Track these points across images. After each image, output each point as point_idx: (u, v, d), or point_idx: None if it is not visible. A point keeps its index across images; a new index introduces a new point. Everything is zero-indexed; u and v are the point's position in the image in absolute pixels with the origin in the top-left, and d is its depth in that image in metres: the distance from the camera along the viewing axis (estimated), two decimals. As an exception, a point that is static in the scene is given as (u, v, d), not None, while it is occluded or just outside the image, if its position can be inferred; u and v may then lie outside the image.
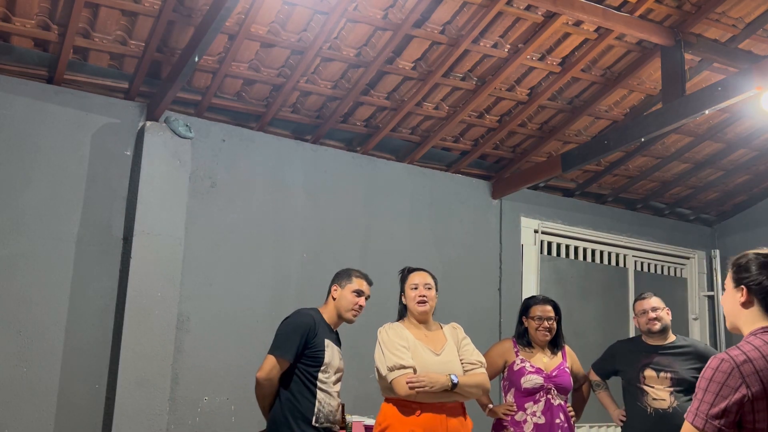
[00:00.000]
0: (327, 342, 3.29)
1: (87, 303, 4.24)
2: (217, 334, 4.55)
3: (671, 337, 3.99)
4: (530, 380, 3.63)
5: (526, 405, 3.64)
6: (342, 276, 3.46)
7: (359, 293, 3.41)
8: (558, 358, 3.78)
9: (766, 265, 1.95)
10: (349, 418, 3.86)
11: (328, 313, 3.43)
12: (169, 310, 4.30)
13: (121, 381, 4.08)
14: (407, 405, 3.17)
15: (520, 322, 3.88)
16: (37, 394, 4.03)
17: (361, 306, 3.42)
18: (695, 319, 6.84)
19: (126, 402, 4.07)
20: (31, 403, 4.01)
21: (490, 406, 3.76)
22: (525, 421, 3.61)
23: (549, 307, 3.78)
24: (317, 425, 3.17)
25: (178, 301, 4.36)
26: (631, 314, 6.43)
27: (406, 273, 3.49)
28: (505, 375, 3.77)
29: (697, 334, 6.79)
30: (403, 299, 3.45)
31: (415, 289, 3.38)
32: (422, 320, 3.40)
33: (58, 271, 4.19)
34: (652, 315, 3.92)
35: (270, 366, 3.18)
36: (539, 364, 3.70)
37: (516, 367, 3.71)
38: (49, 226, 4.20)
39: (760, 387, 1.80)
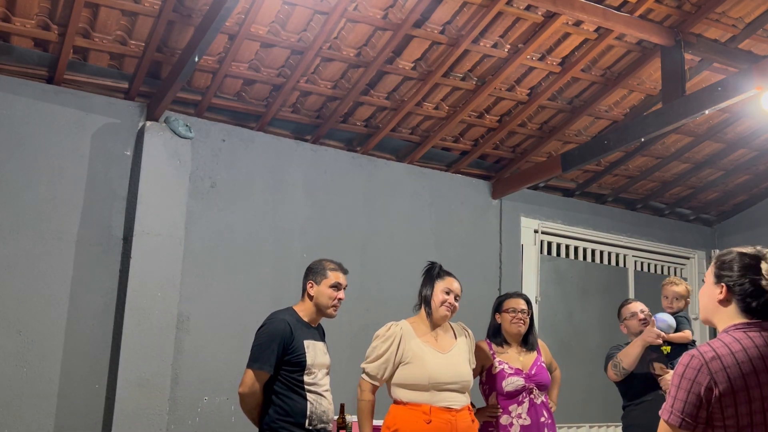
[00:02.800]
0: (307, 343, 3.20)
1: (87, 303, 4.24)
2: (217, 334, 4.55)
3: None
4: (512, 383, 3.59)
5: (510, 408, 3.60)
6: (316, 271, 3.33)
7: (337, 287, 3.31)
8: (533, 354, 3.77)
9: (749, 267, 1.92)
10: (349, 418, 3.84)
11: (305, 311, 3.32)
12: (169, 310, 4.30)
13: (121, 381, 4.08)
14: (415, 408, 3.21)
15: (493, 320, 3.87)
16: (37, 394, 4.03)
17: (340, 299, 3.32)
18: (695, 319, 6.83)
19: (126, 402, 4.07)
20: (31, 403, 4.01)
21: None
22: (511, 424, 3.56)
23: (522, 300, 3.78)
24: (310, 427, 3.14)
25: (178, 301, 4.36)
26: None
27: (440, 271, 3.45)
28: (484, 379, 3.72)
29: (697, 334, 6.77)
30: (427, 293, 3.42)
31: (448, 294, 3.39)
32: (438, 322, 3.42)
33: (58, 271, 4.19)
34: (642, 316, 4.03)
35: (250, 380, 3.12)
36: (517, 364, 3.66)
37: (495, 371, 3.65)
38: (49, 226, 4.20)
39: (727, 384, 1.80)
